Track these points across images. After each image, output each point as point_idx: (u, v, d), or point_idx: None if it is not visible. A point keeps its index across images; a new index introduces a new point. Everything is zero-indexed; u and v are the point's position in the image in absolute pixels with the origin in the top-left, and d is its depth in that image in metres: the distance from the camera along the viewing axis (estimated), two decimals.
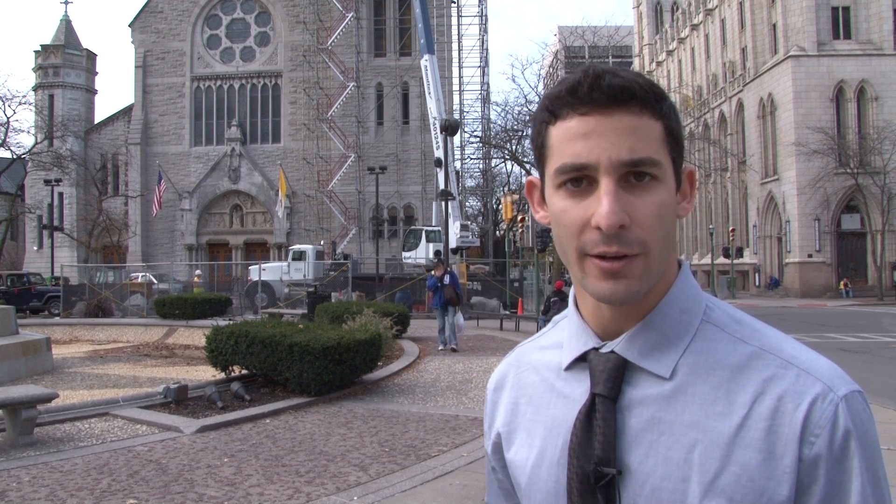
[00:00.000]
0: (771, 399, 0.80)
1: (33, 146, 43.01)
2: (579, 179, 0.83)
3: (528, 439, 0.93)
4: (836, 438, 0.77)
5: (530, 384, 0.97)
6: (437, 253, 26.98)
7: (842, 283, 40.45)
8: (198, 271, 29.46)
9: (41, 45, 50.94)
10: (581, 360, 0.91)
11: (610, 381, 0.86)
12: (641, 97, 0.82)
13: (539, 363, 0.98)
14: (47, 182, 39.94)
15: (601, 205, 0.80)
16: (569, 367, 0.92)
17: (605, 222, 0.79)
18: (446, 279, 14.62)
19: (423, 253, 31.36)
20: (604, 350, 0.88)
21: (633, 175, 0.82)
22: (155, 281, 31.28)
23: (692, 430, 0.81)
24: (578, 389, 0.90)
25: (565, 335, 0.95)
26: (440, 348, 14.23)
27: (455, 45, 51.10)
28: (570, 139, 0.83)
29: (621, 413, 0.85)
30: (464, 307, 16.57)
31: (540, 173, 0.91)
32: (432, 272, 15.69)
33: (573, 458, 0.85)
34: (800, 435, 0.78)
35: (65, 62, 50.33)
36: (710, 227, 49.90)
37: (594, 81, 0.82)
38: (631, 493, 0.82)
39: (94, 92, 53.20)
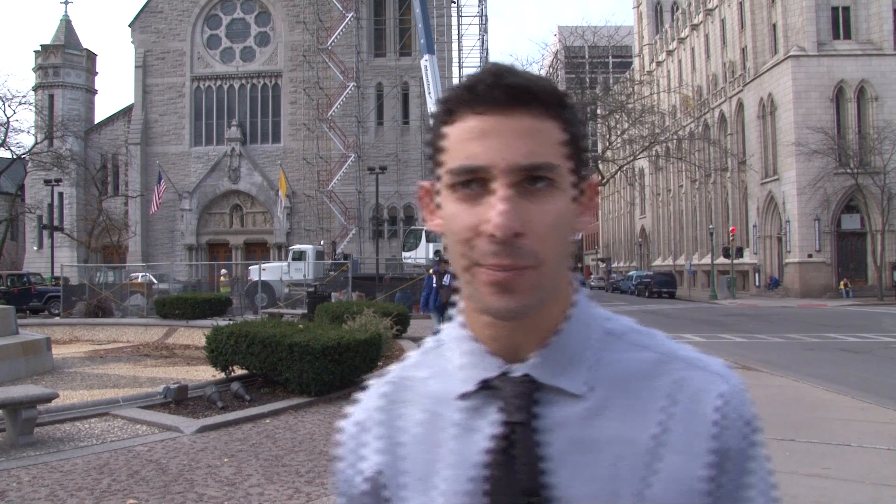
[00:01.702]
0: (683, 401, 0.81)
1: (33, 146, 43.02)
2: (472, 182, 0.77)
3: (424, 483, 0.84)
4: (745, 429, 0.81)
5: (412, 421, 0.88)
6: (437, 252, 27.01)
7: (842, 283, 40.41)
8: (223, 270, 29.65)
9: (41, 45, 50.96)
10: (482, 388, 0.83)
11: (526, 407, 0.80)
12: (543, 99, 0.78)
13: (420, 396, 0.88)
14: (47, 182, 39.94)
15: (493, 210, 0.75)
16: (464, 397, 0.84)
17: (498, 229, 0.74)
18: (445, 279, 13.33)
19: (423, 253, 31.40)
20: (512, 374, 0.82)
21: (529, 180, 0.77)
22: (155, 281, 31.30)
23: (615, 444, 0.79)
24: (482, 420, 0.82)
25: (454, 360, 0.87)
26: None
27: (455, 45, 51.17)
28: (466, 139, 0.78)
29: (540, 438, 0.80)
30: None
31: (435, 177, 0.84)
32: (430, 271, 14.51)
33: (492, 493, 0.79)
34: (714, 430, 0.80)
35: (65, 62, 50.33)
36: (710, 227, 49.88)
37: (494, 79, 0.78)
38: None
39: (94, 92, 53.22)
